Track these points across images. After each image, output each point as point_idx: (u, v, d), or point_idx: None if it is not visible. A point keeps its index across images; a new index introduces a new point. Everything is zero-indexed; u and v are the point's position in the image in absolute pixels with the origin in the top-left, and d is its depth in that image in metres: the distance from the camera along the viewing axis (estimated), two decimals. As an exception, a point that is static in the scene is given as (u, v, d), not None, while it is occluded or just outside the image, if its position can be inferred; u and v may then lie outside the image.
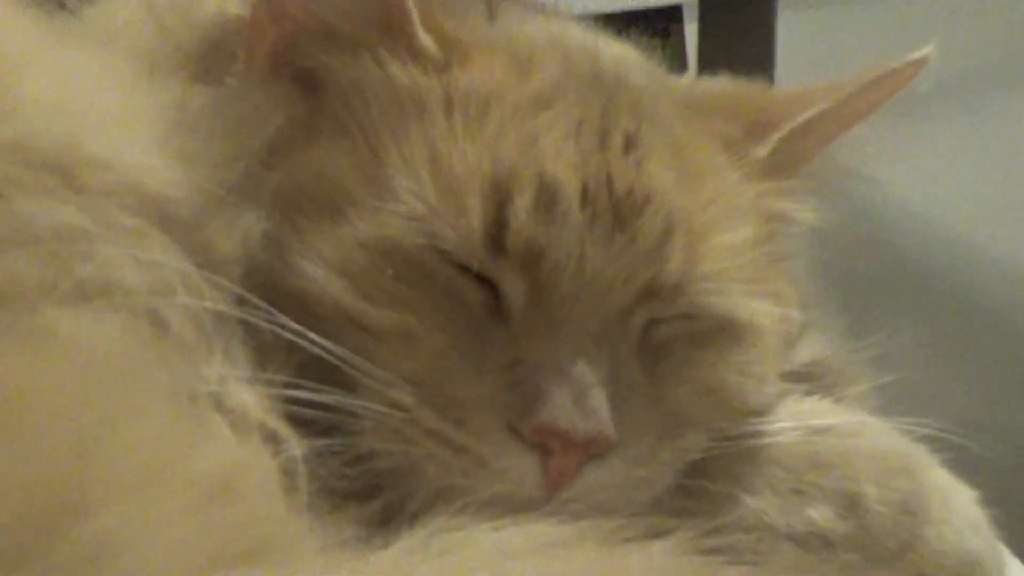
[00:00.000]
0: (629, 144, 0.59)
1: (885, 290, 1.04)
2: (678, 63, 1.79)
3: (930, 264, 1.06)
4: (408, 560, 0.43)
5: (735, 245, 0.59)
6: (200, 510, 0.40)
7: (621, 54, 0.68)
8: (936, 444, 0.60)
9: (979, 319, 1.00)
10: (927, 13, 1.12)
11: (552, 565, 0.43)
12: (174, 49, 0.61)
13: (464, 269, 0.55)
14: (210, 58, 0.61)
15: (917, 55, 0.63)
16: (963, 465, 0.60)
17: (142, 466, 0.41)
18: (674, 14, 2.28)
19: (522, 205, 0.55)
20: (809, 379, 0.64)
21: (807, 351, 0.64)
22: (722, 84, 0.72)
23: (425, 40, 0.59)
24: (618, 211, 0.56)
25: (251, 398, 0.49)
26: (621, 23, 0.74)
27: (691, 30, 1.97)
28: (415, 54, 0.59)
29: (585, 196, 0.56)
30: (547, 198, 0.55)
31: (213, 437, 0.46)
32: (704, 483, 0.57)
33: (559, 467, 0.52)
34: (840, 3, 1.27)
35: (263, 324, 0.52)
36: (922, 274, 1.06)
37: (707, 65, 0.90)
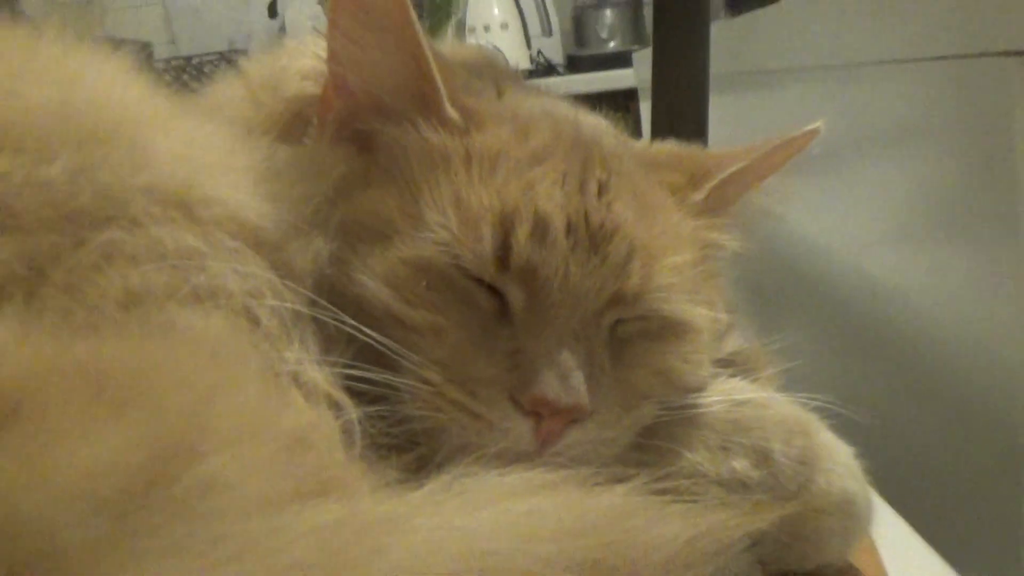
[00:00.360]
0: (601, 189, 0.58)
1: (784, 300, 1.03)
2: (636, 131, 1.78)
3: (817, 281, 1.06)
4: (435, 497, 0.42)
5: (679, 265, 0.58)
6: (284, 457, 0.39)
7: (595, 123, 0.67)
8: (823, 413, 0.59)
9: (853, 323, 1.00)
10: (821, 97, 1.12)
11: (543, 501, 0.42)
12: (265, 118, 0.61)
13: (479, 281, 0.55)
14: (292, 124, 0.61)
15: (811, 127, 0.63)
16: (842, 429, 0.59)
17: (241, 424, 0.40)
18: (632, 95, 2.28)
19: (522, 234, 0.54)
20: (732, 365, 0.63)
21: (731, 344, 0.63)
22: (669, 146, 0.71)
23: (451, 112, 0.58)
24: (593, 239, 0.56)
25: (319, 375, 0.48)
26: (594, 101, 0.72)
27: (645, 107, 1.96)
28: (443, 122, 0.58)
29: (569, 228, 0.55)
30: (540, 229, 0.55)
31: (292, 404, 0.45)
32: (655, 442, 0.56)
33: (548, 429, 0.52)
34: (754, 90, 1.26)
35: (329, 321, 0.52)
36: (812, 289, 1.05)
37: (658, 132, 0.88)
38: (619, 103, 2.14)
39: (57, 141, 0.45)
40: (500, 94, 0.63)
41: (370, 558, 0.35)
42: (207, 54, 2.84)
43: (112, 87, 0.50)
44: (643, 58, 2.22)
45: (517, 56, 2.49)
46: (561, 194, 0.56)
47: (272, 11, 1.88)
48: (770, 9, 1.38)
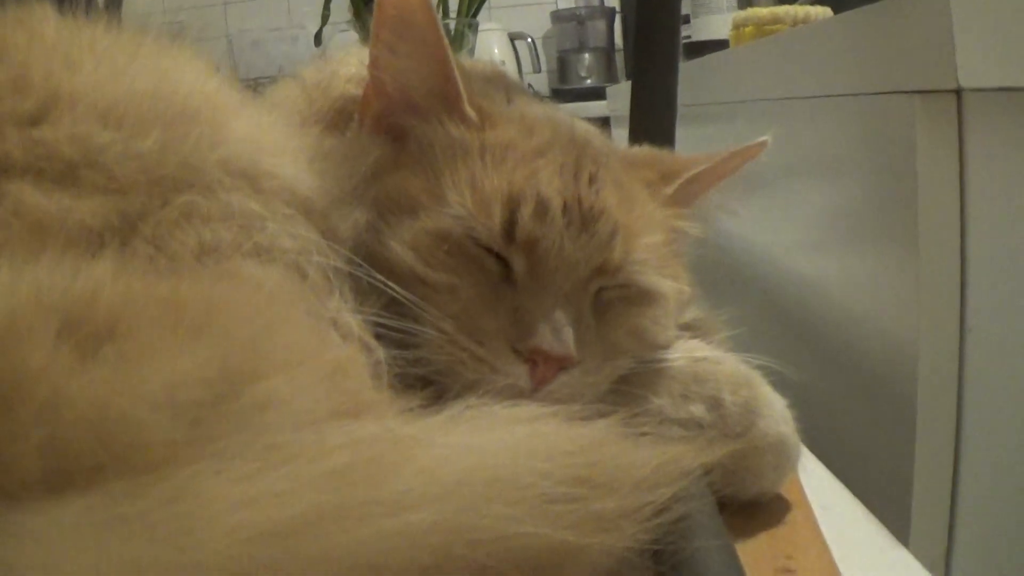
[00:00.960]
0: (592, 179, 0.56)
1: (731, 284, 1.01)
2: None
3: (756, 272, 1.05)
4: (451, 421, 0.40)
5: (652, 244, 0.57)
6: (327, 383, 0.38)
7: (587, 127, 0.66)
8: (763, 371, 0.57)
9: (782, 306, 0.98)
10: (762, 127, 1.10)
11: (539, 428, 0.40)
12: (315, 112, 0.60)
13: (488, 250, 0.53)
14: (337, 119, 0.60)
15: (761, 139, 0.61)
16: (777, 384, 0.58)
17: (292, 353, 0.38)
18: (606, 121, 2.26)
19: (526, 213, 0.53)
20: (691, 329, 0.62)
21: (690, 313, 0.62)
22: (645, 149, 0.69)
23: (469, 112, 0.57)
24: (584, 219, 0.54)
25: (354, 322, 0.47)
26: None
27: (617, 132, 1.93)
28: (463, 120, 0.57)
29: (564, 209, 0.54)
30: (541, 209, 0.53)
31: (332, 342, 0.44)
32: (629, 388, 0.55)
33: (542, 373, 0.51)
34: (708, 121, 1.25)
35: (363, 277, 0.51)
36: (752, 278, 1.04)
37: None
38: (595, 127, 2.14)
39: (150, 120, 0.44)
40: (509, 100, 0.62)
41: (400, 465, 0.34)
42: (262, 77, 2.84)
43: (196, 79, 0.48)
44: (615, 92, 2.20)
45: (511, 88, 2.51)
46: (559, 181, 0.54)
47: (317, 40, 1.87)
48: (721, 52, 1.37)
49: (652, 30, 0.77)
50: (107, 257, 0.38)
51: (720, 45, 1.59)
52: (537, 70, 2.78)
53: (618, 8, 2.77)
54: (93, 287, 0.34)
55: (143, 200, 0.42)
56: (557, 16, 2.83)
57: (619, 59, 2.77)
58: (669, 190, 0.60)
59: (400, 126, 0.57)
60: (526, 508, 0.34)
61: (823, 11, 1.24)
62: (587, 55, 2.75)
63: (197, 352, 0.34)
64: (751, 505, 0.54)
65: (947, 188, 0.70)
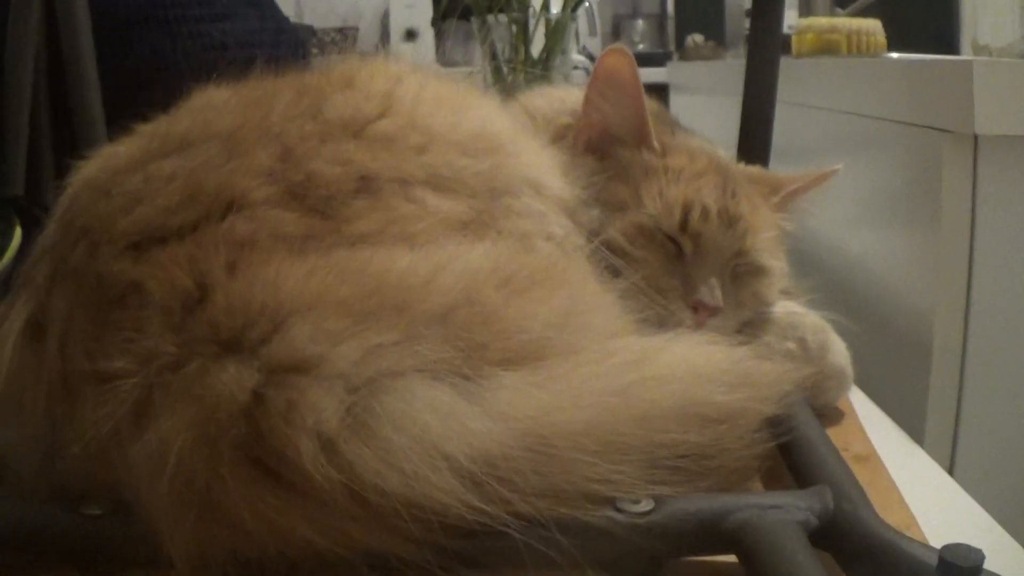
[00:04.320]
0: (734, 194, 0.70)
1: (805, 262, 1.14)
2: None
3: (818, 253, 1.16)
4: (671, 340, 0.54)
5: (768, 237, 0.71)
6: (606, 314, 0.56)
7: (723, 154, 0.77)
8: (832, 324, 0.70)
9: (836, 278, 1.10)
10: (829, 134, 1.22)
11: (716, 347, 0.54)
12: (541, 134, 0.71)
13: (669, 238, 0.67)
14: (555, 140, 0.72)
15: (836, 166, 0.76)
16: (841, 332, 0.70)
17: (589, 297, 0.55)
18: (664, 88, 2.34)
19: (695, 216, 0.67)
20: (786, 293, 0.74)
21: (785, 283, 0.74)
22: (758, 169, 0.83)
23: (655, 144, 0.70)
24: (729, 221, 0.68)
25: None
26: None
27: (674, 100, 2.01)
28: (650, 149, 0.70)
29: (718, 214, 0.67)
30: (704, 214, 0.67)
31: (602, 291, 0.58)
32: (749, 329, 0.69)
33: (701, 317, 0.65)
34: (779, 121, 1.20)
35: (598, 254, 0.64)
36: (818, 257, 1.16)
37: (747, 130, 1.03)
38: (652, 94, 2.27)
39: (483, 151, 0.57)
40: (674, 134, 0.75)
41: (652, 361, 0.50)
42: (326, 29, 2.89)
43: (499, 120, 0.63)
44: (674, 68, 2.34)
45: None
46: (715, 194, 0.68)
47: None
48: (792, 59, 1.43)
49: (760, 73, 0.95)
50: (486, 239, 0.53)
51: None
52: (593, 34, 2.83)
53: (672, -24, 2.83)
54: (499, 258, 0.53)
55: (485, 202, 0.55)
56: (613, -19, 2.87)
57: (670, 28, 2.83)
58: (776, 199, 0.74)
59: (603, 150, 0.70)
60: (720, 386, 0.48)
61: (874, 23, 1.42)
62: (640, 21, 2.88)
63: (551, 298, 0.51)
64: (818, 413, 0.63)
65: (962, 198, 0.88)
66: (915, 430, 0.76)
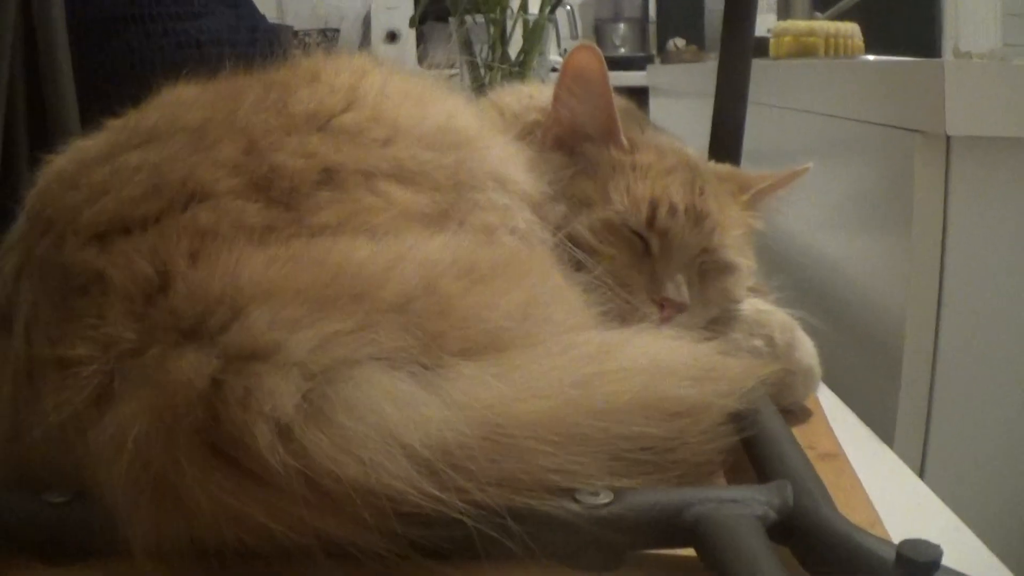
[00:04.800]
0: (702, 191, 0.70)
1: (776, 261, 1.16)
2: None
3: (790, 252, 1.15)
4: (634, 334, 0.54)
5: (736, 235, 0.71)
6: (567, 308, 0.56)
7: (693, 151, 0.78)
8: (801, 322, 0.71)
9: (807, 276, 1.10)
10: (803, 134, 1.22)
11: (680, 342, 0.54)
12: (509, 128, 0.71)
13: (636, 234, 0.67)
14: (524, 136, 0.71)
15: (806, 165, 0.77)
16: (810, 331, 0.71)
17: (552, 291, 0.56)
18: (644, 92, 2.36)
19: (662, 212, 0.67)
20: (754, 291, 0.74)
21: (753, 280, 0.75)
22: (727, 167, 0.84)
23: (624, 140, 0.70)
24: (696, 218, 0.68)
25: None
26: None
27: (653, 103, 2.03)
28: (619, 146, 0.71)
29: (685, 211, 0.67)
30: (672, 211, 0.67)
31: (566, 285, 0.59)
32: (715, 327, 0.68)
33: (667, 313, 0.66)
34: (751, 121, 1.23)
35: (561, 247, 0.64)
36: (788, 255, 1.17)
37: (718, 131, 1.03)
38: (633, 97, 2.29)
39: (448, 145, 0.58)
40: (643, 130, 0.75)
41: (615, 354, 0.50)
42: (307, 30, 2.91)
43: (465, 115, 0.63)
44: (654, 70, 2.32)
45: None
46: (683, 192, 0.69)
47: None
48: (768, 61, 1.46)
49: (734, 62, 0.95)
50: (448, 231, 0.53)
51: (759, 42, 1.79)
52: (575, 36, 2.85)
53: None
54: (460, 249, 0.53)
55: (450, 196, 0.56)
56: (594, -16, 2.89)
57: (651, 31, 2.87)
58: (745, 197, 0.75)
59: (571, 146, 0.71)
60: (683, 380, 0.48)
61: (852, 27, 1.45)
62: (622, 25, 2.88)
63: (512, 290, 0.51)
64: (785, 411, 0.63)
65: (934, 199, 0.89)
66: (886, 431, 0.77)
